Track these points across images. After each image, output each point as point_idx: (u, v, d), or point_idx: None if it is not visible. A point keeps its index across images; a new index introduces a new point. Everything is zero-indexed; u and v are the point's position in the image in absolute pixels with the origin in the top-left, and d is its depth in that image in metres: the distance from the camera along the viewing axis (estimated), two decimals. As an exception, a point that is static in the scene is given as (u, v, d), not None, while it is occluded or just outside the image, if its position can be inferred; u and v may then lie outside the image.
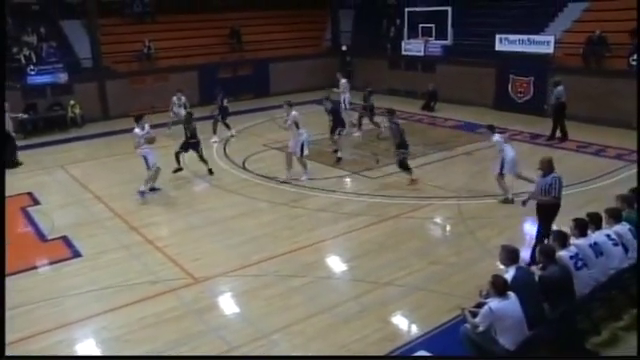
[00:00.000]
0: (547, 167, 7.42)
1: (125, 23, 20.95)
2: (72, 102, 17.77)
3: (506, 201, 9.94)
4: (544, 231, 7.33)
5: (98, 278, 7.72)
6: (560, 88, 13.70)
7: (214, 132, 15.11)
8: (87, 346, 6.32)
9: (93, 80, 18.47)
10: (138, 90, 19.11)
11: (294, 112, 11.32)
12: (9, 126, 13.71)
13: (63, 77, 17.49)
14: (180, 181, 11.78)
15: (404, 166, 10.97)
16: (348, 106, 16.34)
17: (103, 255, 8.44)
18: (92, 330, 6.54)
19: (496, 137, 10.06)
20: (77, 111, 17.76)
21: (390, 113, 11.28)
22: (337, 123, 12.83)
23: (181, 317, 6.70)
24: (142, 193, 10.75)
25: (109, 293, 7.32)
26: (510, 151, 9.88)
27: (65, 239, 9.06)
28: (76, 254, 8.53)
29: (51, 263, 8.31)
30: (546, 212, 7.44)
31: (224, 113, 15.24)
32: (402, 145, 10.96)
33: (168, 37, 20.73)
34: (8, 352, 5.91)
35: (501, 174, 9.88)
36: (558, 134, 13.95)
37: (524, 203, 7.92)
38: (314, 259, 8.15)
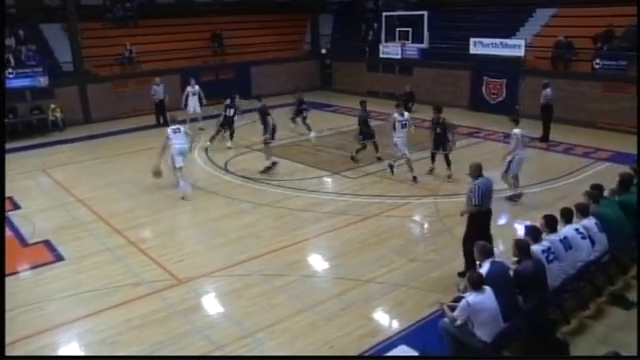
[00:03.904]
0: (474, 172, 7.12)
1: (106, 27, 20.80)
2: (53, 106, 17.62)
3: (513, 197, 9.86)
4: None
5: (82, 281, 7.68)
6: (548, 90, 14.05)
7: (231, 137, 14.78)
8: (72, 350, 6.26)
9: (74, 84, 18.33)
10: (121, 94, 19.08)
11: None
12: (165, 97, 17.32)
13: (43, 81, 17.31)
14: (162, 183, 11.79)
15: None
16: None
17: (86, 258, 8.40)
18: (77, 334, 6.50)
19: (516, 131, 9.74)
20: (58, 115, 17.62)
21: None
22: (369, 132, 12.79)
23: (166, 318, 6.71)
24: None
25: (93, 296, 7.29)
26: (522, 150, 9.79)
27: (47, 243, 8.99)
28: (59, 258, 8.47)
29: (33, 267, 8.23)
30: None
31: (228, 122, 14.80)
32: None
33: (150, 41, 20.71)
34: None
35: (506, 172, 9.81)
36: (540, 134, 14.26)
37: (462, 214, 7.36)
38: (297, 258, 8.25)
